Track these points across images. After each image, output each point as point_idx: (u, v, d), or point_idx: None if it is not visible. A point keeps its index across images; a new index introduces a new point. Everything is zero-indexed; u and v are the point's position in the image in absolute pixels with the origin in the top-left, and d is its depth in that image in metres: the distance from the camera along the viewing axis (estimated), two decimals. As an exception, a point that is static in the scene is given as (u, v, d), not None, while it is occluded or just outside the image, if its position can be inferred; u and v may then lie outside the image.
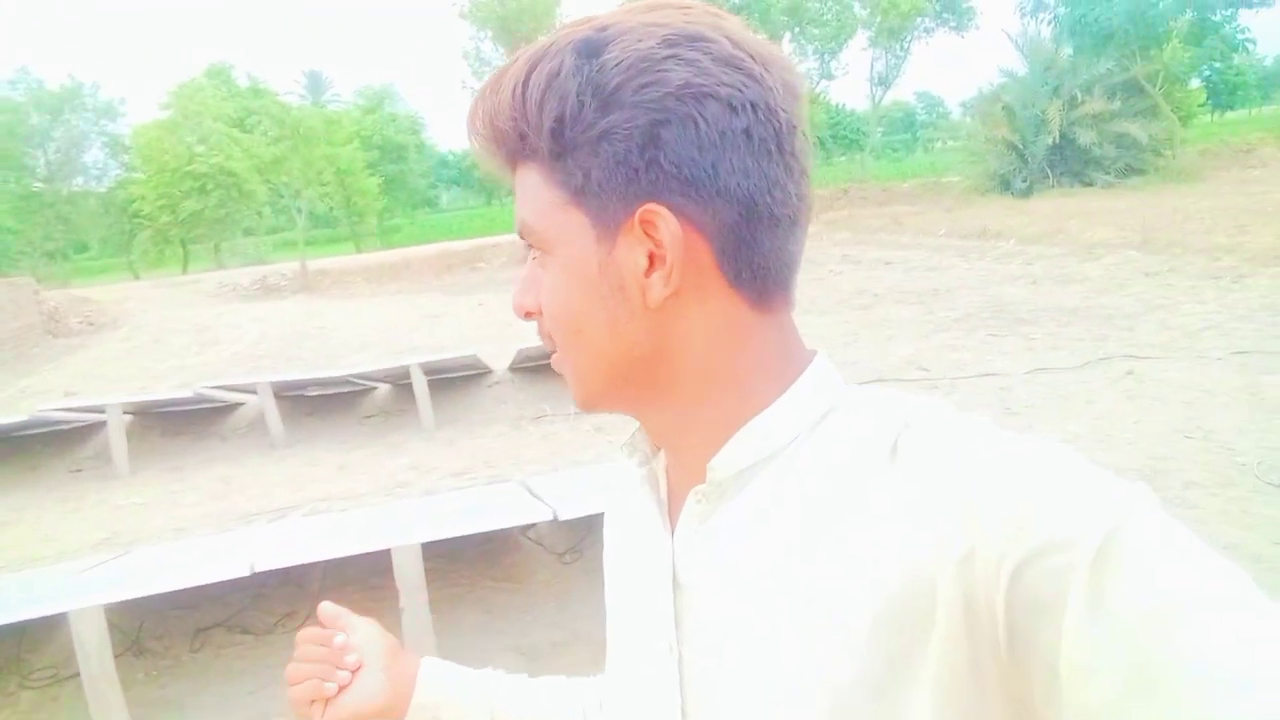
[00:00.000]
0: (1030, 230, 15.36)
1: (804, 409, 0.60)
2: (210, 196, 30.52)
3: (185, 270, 32.40)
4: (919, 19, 31.48)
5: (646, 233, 0.57)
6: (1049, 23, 25.13)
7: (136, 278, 31.32)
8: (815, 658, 0.53)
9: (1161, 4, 23.31)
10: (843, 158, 47.34)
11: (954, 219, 18.75)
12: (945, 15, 32.08)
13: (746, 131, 0.55)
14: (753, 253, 0.58)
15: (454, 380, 8.46)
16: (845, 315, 10.45)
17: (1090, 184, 21.45)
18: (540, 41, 0.58)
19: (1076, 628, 0.44)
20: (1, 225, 30.90)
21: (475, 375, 8.56)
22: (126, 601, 4.05)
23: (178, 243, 34.24)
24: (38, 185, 32.98)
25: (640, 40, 0.55)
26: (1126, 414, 5.68)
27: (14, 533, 5.99)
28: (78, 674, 3.40)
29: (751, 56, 0.56)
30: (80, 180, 34.98)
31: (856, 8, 31.59)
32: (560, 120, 0.56)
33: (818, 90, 34.66)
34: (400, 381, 8.16)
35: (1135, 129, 21.69)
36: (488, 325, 12.45)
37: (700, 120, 0.54)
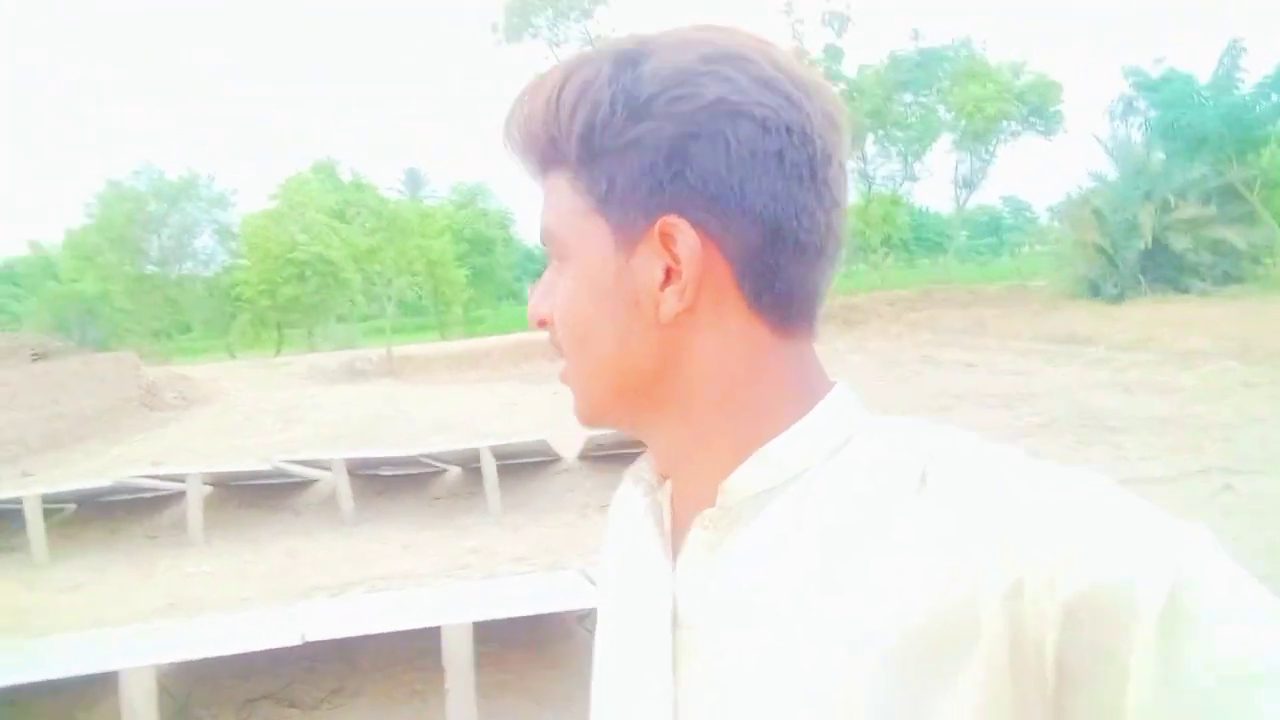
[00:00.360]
0: (1121, 337, 14.87)
1: (823, 434, 0.57)
2: (309, 283, 31.83)
3: (278, 352, 33.73)
4: (1005, 123, 31.50)
5: (665, 245, 0.56)
6: (1140, 127, 24.80)
7: (233, 357, 32.76)
8: (835, 693, 0.51)
9: (1257, 109, 22.83)
10: (925, 260, 47.11)
11: (1040, 323, 18.30)
12: (1032, 119, 31.99)
13: (779, 154, 0.55)
14: (775, 277, 0.57)
15: (524, 466, 8.48)
16: (925, 417, 10.18)
17: (1185, 291, 20.72)
18: (582, 52, 0.60)
19: (1146, 689, 0.43)
20: (116, 305, 32.79)
21: (545, 462, 8.58)
22: (179, 665, 4.07)
23: (274, 325, 35.76)
24: (150, 269, 35.02)
25: (679, 54, 0.55)
26: (1224, 530, 5.29)
27: (88, 594, 6.14)
28: (125, 737, 3.39)
29: (793, 81, 0.56)
30: (189, 265, 37.02)
31: (941, 111, 31.79)
32: (590, 126, 0.56)
33: (900, 191, 34.73)
34: (470, 465, 8.22)
35: (1233, 235, 21.00)
36: (562, 414, 12.41)
37: (731, 138, 0.54)
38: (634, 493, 0.67)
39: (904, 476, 0.53)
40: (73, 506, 7.90)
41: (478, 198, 49.35)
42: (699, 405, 0.58)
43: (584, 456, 8.54)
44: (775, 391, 0.58)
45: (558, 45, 24.25)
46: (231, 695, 4.14)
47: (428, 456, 8.29)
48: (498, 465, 7.71)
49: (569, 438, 9.02)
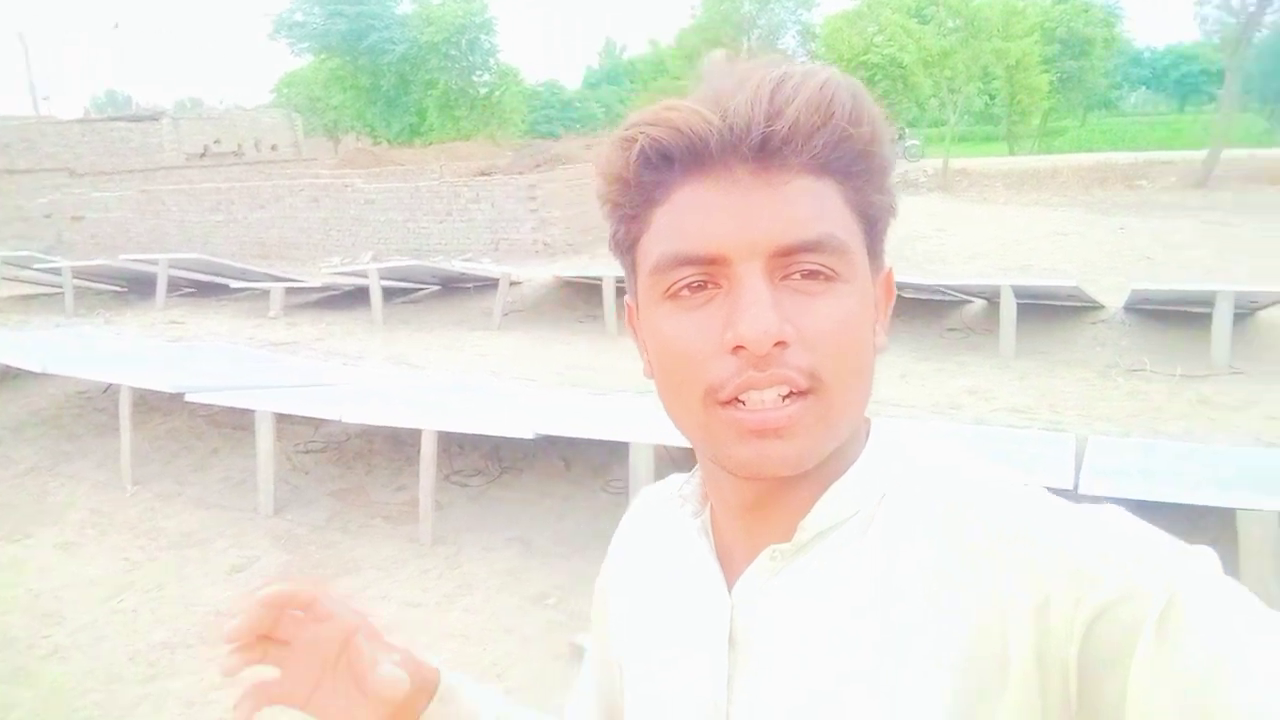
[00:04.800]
0: None
1: (880, 469, 0.60)
2: (877, 87, 31.64)
3: (841, 156, 34.53)
4: None
5: (887, 283, 0.62)
6: None
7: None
8: (891, 714, 0.53)
9: None
10: None
11: None
12: None
13: None
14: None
15: (1054, 309, 7.85)
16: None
17: None
18: (805, 65, 0.56)
19: (1141, 675, 0.46)
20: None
21: (1078, 309, 7.84)
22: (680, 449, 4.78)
23: (840, 130, 36.55)
24: (740, 67, 37.77)
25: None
26: None
27: (638, 365, 7.35)
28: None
29: None
30: (773, 65, 39.10)
31: None
32: (873, 140, 0.56)
33: None
34: (994, 299, 7.85)
35: None
36: (1121, 254, 11.14)
37: None
38: (680, 512, 0.68)
39: (944, 512, 0.56)
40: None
41: (1085, -10, 43.26)
42: (842, 441, 0.58)
43: (1131, 308, 7.60)
44: (858, 429, 0.61)
45: None
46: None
47: (946, 286, 8.09)
48: (1023, 305, 7.24)
49: (1116, 284, 8.09)
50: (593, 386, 6.77)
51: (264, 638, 0.62)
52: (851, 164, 0.55)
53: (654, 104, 0.57)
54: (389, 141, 36.26)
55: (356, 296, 10.21)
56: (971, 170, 22.22)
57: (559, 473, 5.26)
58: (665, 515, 0.72)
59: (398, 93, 37.29)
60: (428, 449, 4.47)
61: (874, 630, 0.55)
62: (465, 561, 4.26)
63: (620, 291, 8.81)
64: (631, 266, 0.62)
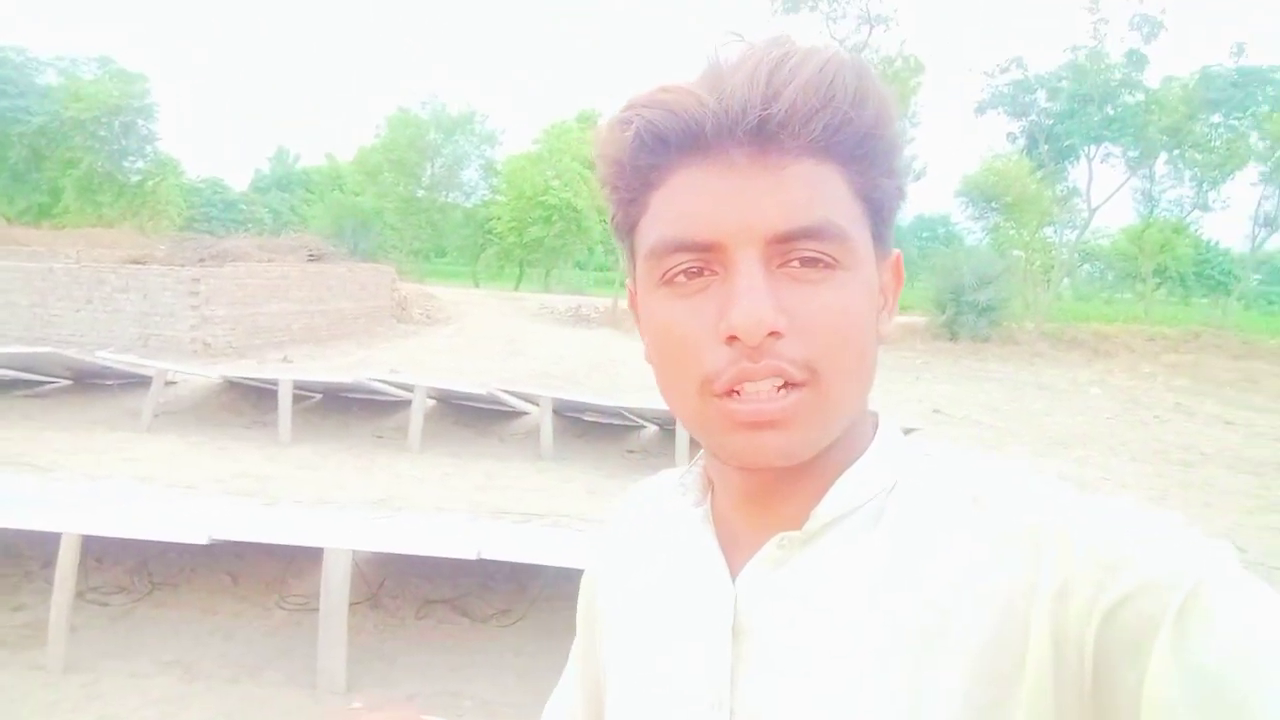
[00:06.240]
0: None
1: (891, 460, 0.59)
2: (553, 226, 33.47)
3: (517, 287, 35.81)
4: (1331, 161, 27.36)
5: (895, 269, 0.60)
6: None
7: (476, 285, 35.09)
8: (905, 704, 0.52)
9: None
10: (1204, 299, 42.30)
11: (1328, 391, 16.03)
12: (1367, 162, 27.58)
13: None
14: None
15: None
16: (1159, 468, 9.27)
17: None
18: (808, 45, 0.54)
19: (1160, 667, 0.45)
20: (387, 221, 36.02)
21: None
22: (374, 555, 4.52)
23: (517, 262, 37.91)
24: (421, 193, 38.12)
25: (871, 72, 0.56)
26: None
27: (317, 475, 6.89)
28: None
29: None
30: (454, 194, 39.96)
31: (1254, 138, 28.13)
32: (878, 123, 0.54)
33: (1187, 220, 31.27)
34: (667, 425, 8.42)
35: None
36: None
37: None
38: (681, 501, 0.66)
39: (960, 494, 0.56)
40: (318, 396, 8.86)
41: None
42: (842, 431, 0.57)
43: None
44: (863, 417, 0.60)
45: (834, 21, 23.78)
46: (415, 593, 4.55)
47: (629, 410, 8.55)
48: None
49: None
50: (265, 497, 6.19)
51: None
52: (855, 147, 0.54)
53: (652, 87, 0.55)
54: (8, 219, 31.60)
55: (-40, 386, 8.57)
56: (638, 311, 23.92)
57: (225, 588, 4.68)
58: (663, 505, 0.69)
59: (28, 167, 32.88)
60: (67, 557, 3.79)
61: (888, 619, 0.54)
62: (108, 691, 3.60)
63: (299, 398, 8.28)
64: (630, 250, 0.60)
